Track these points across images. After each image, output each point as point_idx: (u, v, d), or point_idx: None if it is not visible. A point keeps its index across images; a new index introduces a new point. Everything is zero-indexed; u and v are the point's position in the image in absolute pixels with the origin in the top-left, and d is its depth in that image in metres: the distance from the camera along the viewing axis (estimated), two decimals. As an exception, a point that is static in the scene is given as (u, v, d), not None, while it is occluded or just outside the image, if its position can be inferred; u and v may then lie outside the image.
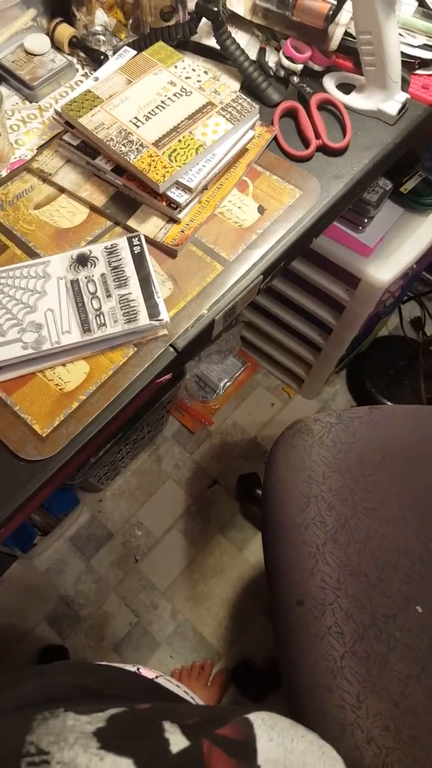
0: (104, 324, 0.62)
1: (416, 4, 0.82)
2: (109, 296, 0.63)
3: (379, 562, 0.84)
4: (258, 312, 1.49)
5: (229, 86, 0.73)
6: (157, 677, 0.59)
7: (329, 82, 0.80)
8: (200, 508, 1.50)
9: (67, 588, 1.41)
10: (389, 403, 1.55)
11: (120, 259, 0.65)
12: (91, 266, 0.65)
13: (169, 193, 0.68)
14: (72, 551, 1.45)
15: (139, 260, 0.65)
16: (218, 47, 0.80)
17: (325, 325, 1.30)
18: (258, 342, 1.60)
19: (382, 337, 1.69)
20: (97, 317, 0.62)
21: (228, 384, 1.62)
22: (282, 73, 0.81)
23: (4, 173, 0.75)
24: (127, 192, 0.71)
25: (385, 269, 1.06)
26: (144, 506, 1.50)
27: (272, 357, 1.60)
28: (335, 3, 0.74)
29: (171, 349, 0.64)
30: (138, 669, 0.58)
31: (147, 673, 0.59)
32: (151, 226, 0.70)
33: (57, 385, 0.61)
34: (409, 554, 0.85)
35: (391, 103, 0.76)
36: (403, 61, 0.75)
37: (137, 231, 0.69)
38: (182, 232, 0.69)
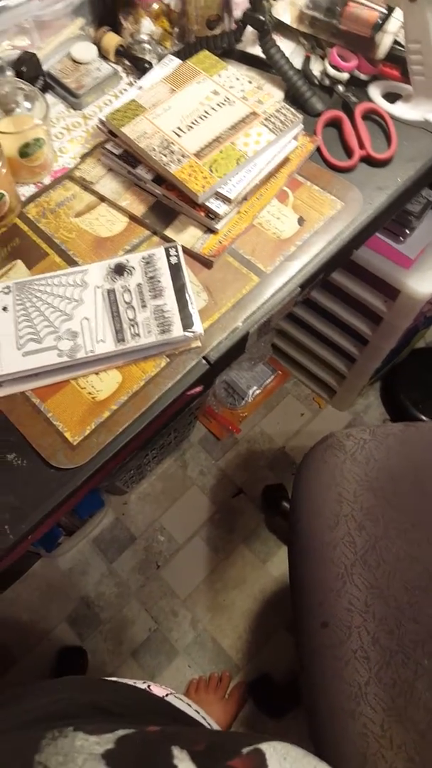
0: (138, 334, 0.61)
1: (468, 13, 0.79)
2: (144, 306, 0.63)
3: (409, 586, 0.81)
4: (291, 320, 1.47)
5: (272, 96, 0.72)
6: (167, 695, 0.58)
7: (375, 91, 0.79)
8: (224, 517, 1.49)
9: (88, 589, 1.42)
10: (424, 418, 1.52)
11: (156, 270, 0.65)
12: (128, 276, 0.65)
13: (208, 204, 0.67)
14: (95, 553, 1.45)
15: (175, 271, 0.65)
16: (263, 56, 0.79)
17: (360, 336, 1.28)
18: (290, 350, 1.59)
19: (419, 349, 1.65)
20: (132, 327, 0.62)
21: (257, 392, 1.61)
22: (327, 81, 0.80)
23: (47, 181, 0.75)
24: (167, 202, 0.70)
25: (426, 282, 1.04)
26: (168, 511, 1.50)
27: (304, 366, 1.58)
28: (384, 11, 0.73)
29: (203, 361, 0.63)
30: (149, 686, 0.58)
31: (157, 690, 0.58)
32: (188, 236, 0.69)
33: (89, 393, 0.61)
34: (440, 578, 0.82)
35: (440, 114, 0.75)
36: (453, 72, 0.73)
37: (175, 241, 0.68)
38: (220, 242, 0.68)
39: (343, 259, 0.72)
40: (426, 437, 0.90)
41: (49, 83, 0.82)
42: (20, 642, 1.38)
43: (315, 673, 0.78)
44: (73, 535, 1.41)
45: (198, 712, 0.61)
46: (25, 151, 0.70)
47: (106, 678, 0.55)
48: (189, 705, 0.61)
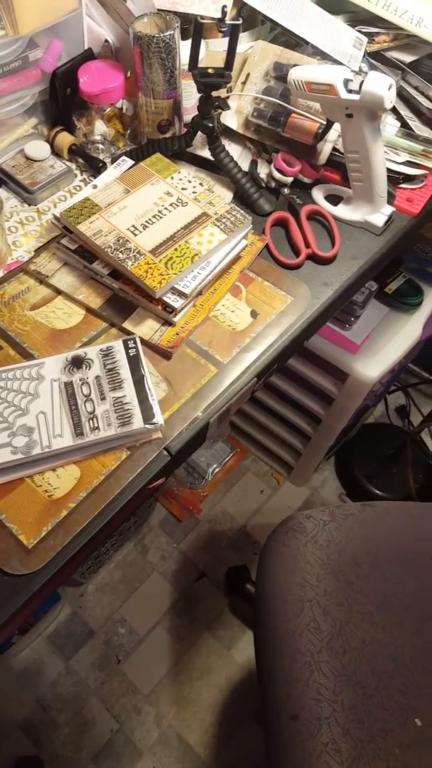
0: (97, 427, 0.61)
1: (399, 124, 0.87)
2: (103, 399, 0.63)
3: (376, 671, 0.80)
4: (248, 400, 1.50)
5: (223, 198, 0.76)
6: None
7: (318, 194, 0.84)
8: (187, 604, 1.44)
9: (44, 691, 1.32)
10: (378, 492, 1.54)
11: (115, 362, 0.65)
12: (86, 368, 0.65)
13: (164, 298, 0.69)
14: (50, 650, 1.37)
15: (134, 363, 0.65)
16: (212, 158, 0.84)
17: (314, 415, 1.31)
18: (247, 428, 1.60)
19: (370, 425, 1.70)
20: (91, 420, 0.61)
21: (217, 470, 1.60)
22: (273, 184, 0.85)
23: (0, 274, 0.76)
24: (123, 295, 0.72)
25: (372, 366, 1.08)
26: (128, 601, 1.44)
27: (261, 443, 1.60)
28: (324, 123, 0.79)
29: (165, 452, 0.63)
30: None
31: None
32: (146, 328, 0.70)
33: (46, 491, 0.60)
34: (406, 662, 0.81)
35: (378, 215, 0.80)
36: (388, 177, 0.79)
37: (133, 333, 0.70)
38: (177, 334, 0.70)
39: (295, 349, 0.75)
40: (383, 518, 0.91)
41: (2, 179, 0.84)
42: (-33, 756, 1.26)
43: (285, 768, 0.74)
44: (27, 633, 1.33)
45: None
46: (-23, 246, 0.71)
47: None
48: None
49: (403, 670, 0.81)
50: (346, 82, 0.72)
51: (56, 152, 0.87)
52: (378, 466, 1.58)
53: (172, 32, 0.75)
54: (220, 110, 0.83)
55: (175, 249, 0.70)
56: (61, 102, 0.86)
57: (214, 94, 0.78)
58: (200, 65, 0.76)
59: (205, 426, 0.66)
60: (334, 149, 0.83)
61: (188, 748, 1.28)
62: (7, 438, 0.60)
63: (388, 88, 0.68)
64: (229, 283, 0.75)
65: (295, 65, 0.78)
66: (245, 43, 0.92)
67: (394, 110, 0.88)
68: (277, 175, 0.83)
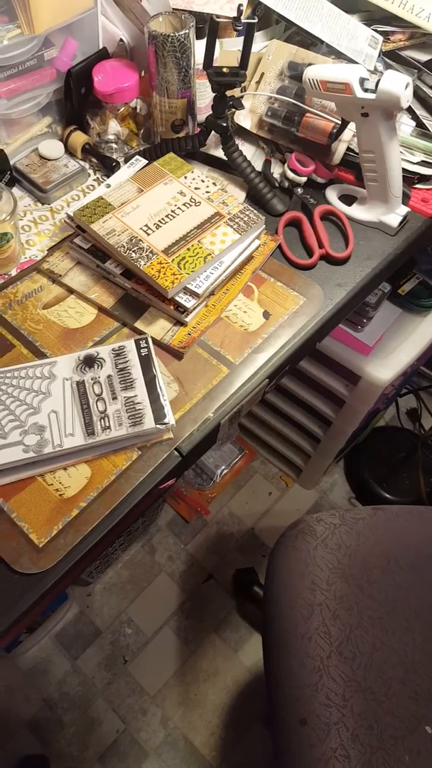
0: (109, 427, 0.61)
1: (414, 124, 0.87)
2: (114, 398, 0.63)
3: (386, 678, 0.79)
4: (257, 401, 1.49)
5: (236, 198, 0.76)
6: None
7: (332, 194, 0.84)
8: (194, 605, 1.44)
9: (50, 690, 1.32)
10: (388, 496, 1.53)
11: (127, 361, 0.65)
12: (98, 368, 0.65)
13: (177, 298, 0.69)
14: (58, 650, 1.37)
15: (145, 362, 0.65)
16: (226, 158, 0.83)
17: (324, 418, 1.30)
18: (256, 430, 1.59)
19: (380, 428, 1.68)
20: (102, 420, 0.61)
21: (225, 471, 1.60)
22: (286, 184, 0.84)
23: (14, 273, 0.76)
24: (136, 295, 0.72)
25: (384, 368, 1.07)
26: (135, 602, 1.43)
27: (270, 445, 1.59)
28: (339, 122, 0.79)
29: (176, 452, 0.63)
30: None
31: None
32: (158, 328, 0.70)
33: (57, 490, 0.59)
34: (417, 668, 0.81)
35: (392, 216, 0.79)
36: (403, 177, 0.78)
37: (145, 333, 0.69)
38: (189, 334, 0.69)
39: (307, 350, 0.74)
40: (394, 522, 0.90)
41: (16, 177, 0.84)
42: (-26, 755, 1.27)
43: (293, 774, 0.74)
44: (34, 632, 1.33)
45: None
46: (-9, 245, 0.71)
47: None
48: None
49: (413, 677, 0.80)
50: (362, 80, 0.71)
51: (70, 151, 0.87)
52: (388, 469, 1.56)
53: (187, 31, 0.74)
54: (234, 110, 0.83)
55: (188, 249, 0.70)
56: (76, 101, 0.85)
57: (229, 93, 0.78)
58: (215, 64, 0.76)
59: (216, 427, 0.65)
60: (349, 149, 0.83)
61: (194, 750, 1.27)
62: (19, 436, 0.60)
63: (405, 87, 0.68)
64: (241, 284, 0.74)
65: (309, 64, 0.77)
66: (260, 42, 0.92)
67: (409, 110, 0.88)
68: (290, 174, 0.83)
